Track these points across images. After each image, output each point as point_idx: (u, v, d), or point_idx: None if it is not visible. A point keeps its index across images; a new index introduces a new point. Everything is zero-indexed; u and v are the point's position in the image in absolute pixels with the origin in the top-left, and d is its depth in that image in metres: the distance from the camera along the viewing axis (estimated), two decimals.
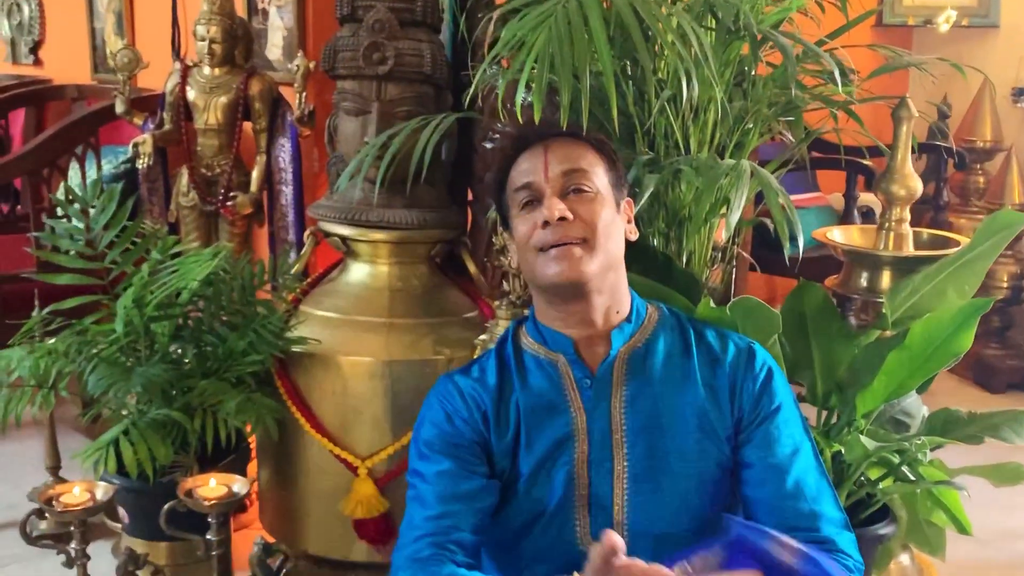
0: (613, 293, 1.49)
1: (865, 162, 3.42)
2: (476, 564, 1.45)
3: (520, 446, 1.48)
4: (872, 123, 2.39)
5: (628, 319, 1.52)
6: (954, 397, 3.94)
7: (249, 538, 2.64)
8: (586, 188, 1.45)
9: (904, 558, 2.30)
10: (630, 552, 1.41)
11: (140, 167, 2.87)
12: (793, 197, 3.85)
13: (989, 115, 4.54)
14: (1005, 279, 4.29)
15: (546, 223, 1.42)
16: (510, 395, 1.52)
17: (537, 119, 1.65)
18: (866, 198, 3.90)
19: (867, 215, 3.83)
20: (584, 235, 1.43)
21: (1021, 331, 4.35)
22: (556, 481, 1.46)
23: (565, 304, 1.48)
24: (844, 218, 3.69)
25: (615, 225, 1.47)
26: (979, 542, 2.63)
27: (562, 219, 1.42)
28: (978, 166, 4.63)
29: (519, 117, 1.67)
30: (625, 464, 1.46)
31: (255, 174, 2.92)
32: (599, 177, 1.47)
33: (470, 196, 2.74)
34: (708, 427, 1.47)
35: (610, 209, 1.46)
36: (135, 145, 2.84)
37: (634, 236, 1.53)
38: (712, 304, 1.80)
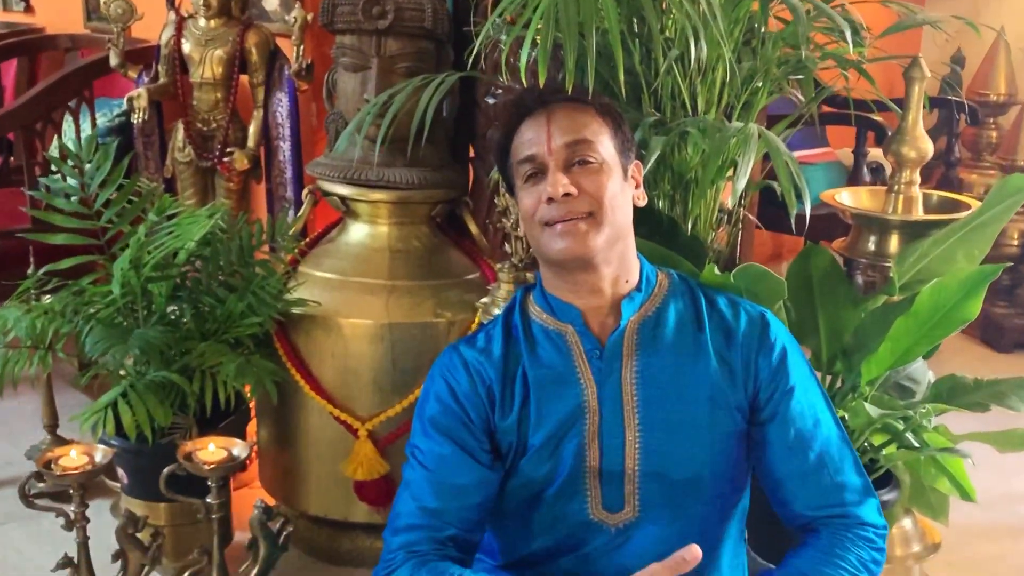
0: (621, 262, 1.48)
1: (876, 118, 3.40)
2: (469, 561, 1.47)
3: (529, 420, 1.48)
4: (884, 78, 2.38)
5: (638, 287, 1.51)
6: (960, 356, 3.96)
7: (249, 497, 2.68)
8: (591, 159, 1.42)
9: (907, 522, 2.33)
10: (643, 521, 1.45)
11: (135, 122, 2.86)
12: (802, 152, 3.90)
13: (1003, 68, 4.51)
14: (1016, 237, 4.29)
15: (551, 199, 1.41)
16: (516, 367, 1.51)
17: (542, 80, 1.63)
18: (876, 154, 3.88)
19: (877, 171, 3.81)
20: (590, 209, 1.42)
21: None
22: (566, 453, 1.46)
23: (572, 276, 1.48)
24: (853, 175, 3.68)
25: (622, 195, 1.46)
26: (982, 505, 2.64)
27: (567, 195, 1.41)
28: (991, 120, 4.62)
29: (523, 79, 1.66)
30: (637, 435, 1.46)
31: (252, 129, 2.90)
32: (604, 145, 1.44)
33: (472, 153, 2.73)
34: (721, 399, 1.47)
35: (616, 178, 1.45)
36: (130, 99, 2.82)
37: (642, 201, 1.52)
38: (716, 270, 1.80)
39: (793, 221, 1.72)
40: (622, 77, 1.73)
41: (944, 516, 2.19)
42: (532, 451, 1.47)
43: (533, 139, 1.44)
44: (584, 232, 1.42)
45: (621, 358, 1.48)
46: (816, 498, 1.46)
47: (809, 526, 1.48)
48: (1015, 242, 4.27)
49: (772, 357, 1.48)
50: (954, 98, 4.02)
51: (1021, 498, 2.95)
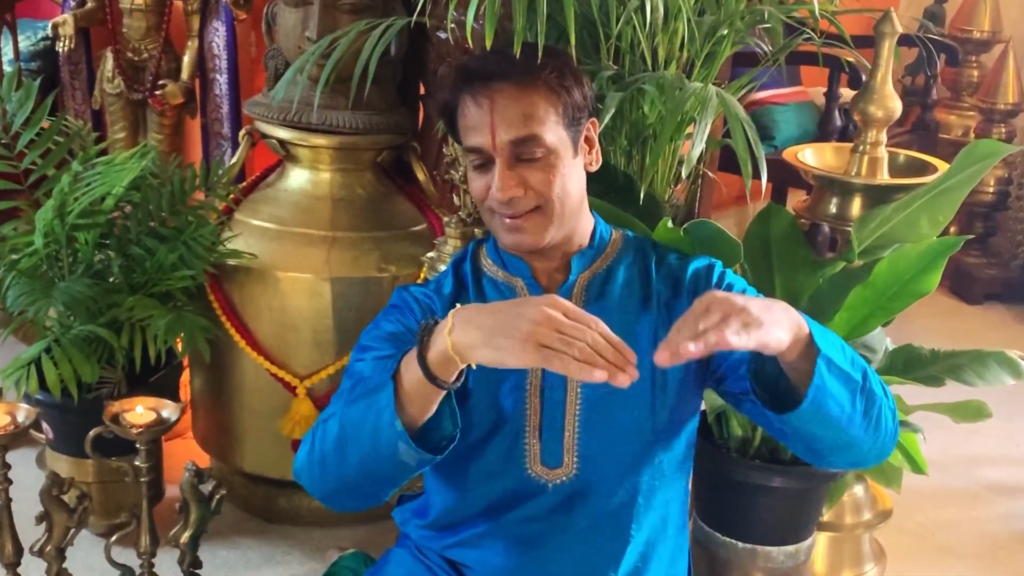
0: (572, 232, 1.55)
1: (848, 59, 3.42)
2: None
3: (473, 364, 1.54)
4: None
5: (590, 244, 1.57)
6: (927, 308, 4.01)
7: (181, 448, 2.72)
8: (537, 155, 1.46)
9: (858, 489, 2.42)
10: (582, 478, 1.50)
11: (60, 51, 2.81)
12: (773, 92, 3.92)
13: (987, 4, 4.53)
14: (992, 183, 4.37)
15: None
16: None
17: (488, 42, 1.64)
18: (850, 95, 3.91)
19: (850, 114, 3.85)
20: (537, 203, 1.47)
21: (1005, 238, 4.45)
22: (506, 405, 1.53)
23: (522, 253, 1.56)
24: (825, 118, 3.72)
25: (571, 175, 1.49)
26: (937, 468, 2.77)
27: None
28: (973, 59, 4.65)
29: (469, 39, 1.66)
30: (579, 391, 1.52)
31: (186, 60, 2.87)
32: (551, 129, 1.46)
33: (422, 90, 2.72)
34: None
35: (566, 160, 1.48)
36: (55, 26, 2.77)
37: (596, 166, 1.56)
38: (670, 224, 1.83)
39: (755, 168, 1.76)
40: (572, 30, 1.74)
41: (897, 484, 2.28)
42: (471, 398, 1.53)
43: (478, 127, 1.46)
44: (532, 227, 1.48)
45: None
46: None
47: None
48: (991, 189, 4.35)
49: (721, 287, 1.54)
50: (933, 36, 4.04)
51: (975, 462, 3.07)
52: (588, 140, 1.54)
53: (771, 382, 1.40)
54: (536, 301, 1.23)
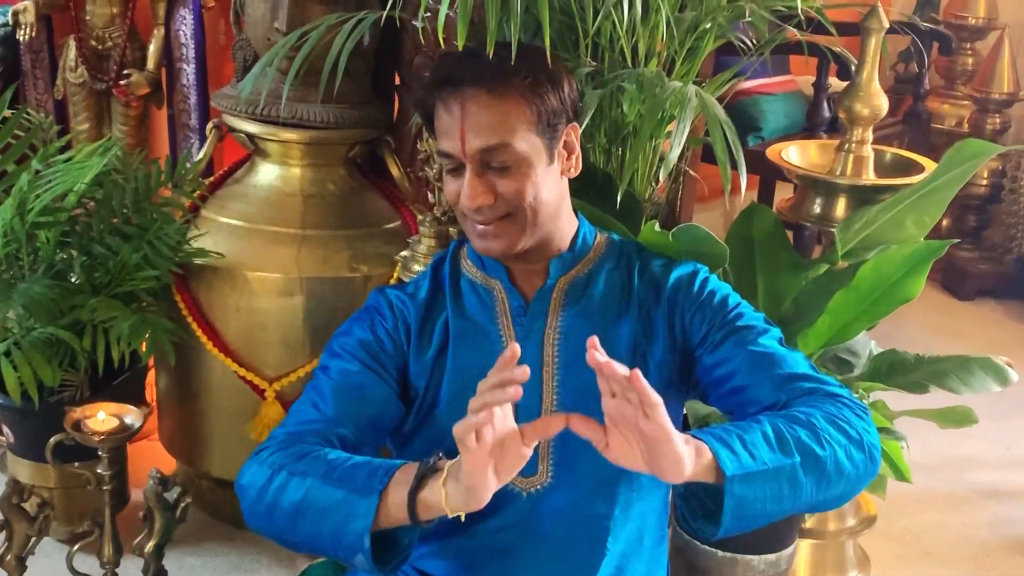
0: (548, 237, 1.57)
1: (836, 49, 3.44)
2: None
3: (444, 369, 1.57)
4: None
5: (571, 248, 1.59)
6: (918, 304, 4.04)
7: (147, 451, 2.73)
8: (508, 163, 1.47)
9: None
10: (556, 487, 1.52)
11: (21, 39, 2.80)
12: (761, 81, 3.92)
13: None
14: (985, 174, 4.40)
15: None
16: (439, 314, 1.61)
17: (460, 43, 1.65)
18: (840, 86, 3.93)
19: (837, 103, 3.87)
20: (508, 211, 1.49)
21: (998, 231, 4.48)
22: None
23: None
24: (813, 109, 3.73)
25: (546, 183, 1.51)
26: (923, 471, 2.80)
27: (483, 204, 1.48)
28: (967, 46, 4.67)
29: (440, 40, 1.67)
30: (554, 398, 1.54)
31: (152, 49, 2.86)
32: (523, 137, 1.47)
33: (397, 80, 2.73)
34: (640, 362, 1.54)
35: (538, 169, 1.49)
36: (15, 14, 2.76)
37: (575, 172, 1.58)
38: (657, 227, 1.84)
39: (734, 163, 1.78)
40: (547, 25, 1.75)
41: (881, 490, 2.31)
42: (443, 404, 1.56)
43: (449, 132, 1.48)
44: (502, 234, 1.51)
45: (545, 317, 1.57)
46: (778, 386, 1.48)
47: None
48: (984, 181, 4.38)
49: (701, 298, 1.56)
50: (926, 24, 4.06)
51: (962, 465, 3.10)
52: (567, 145, 1.55)
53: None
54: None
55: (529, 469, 1.53)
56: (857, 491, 1.46)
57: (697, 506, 1.41)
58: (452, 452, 1.53)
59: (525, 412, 1.53)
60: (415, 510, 1.32)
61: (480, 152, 1.46)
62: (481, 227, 1.51)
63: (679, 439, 1.25)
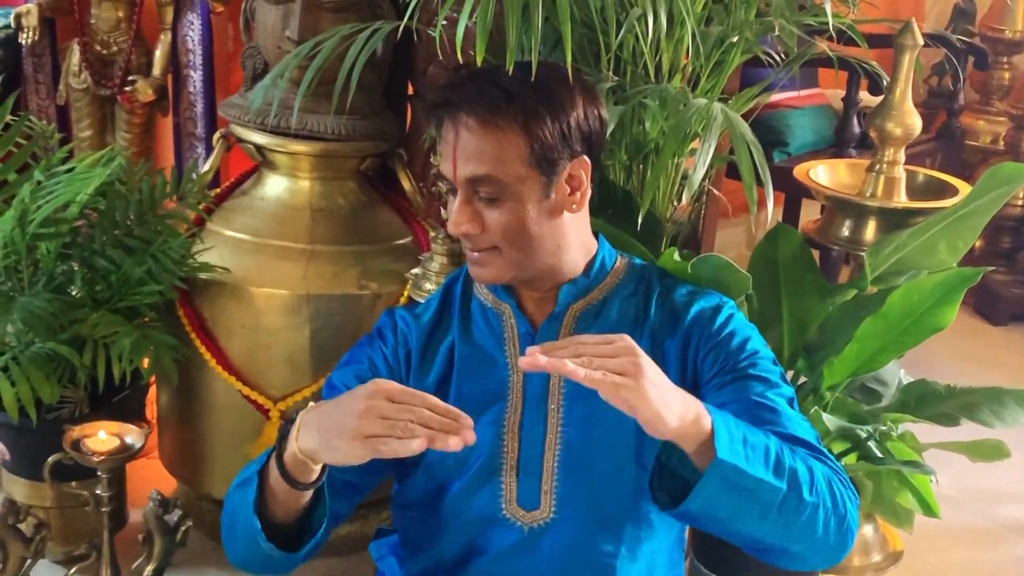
0: (552, 269, 1.57)
1: (870, 63, 3.45)
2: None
3: (448, 397, 1.59)
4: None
5: (585, 273, 1.60)
6: (948, 330, 4.05)
7: (147, 470, 2.74)
8: (495, 195, 1.48)
9: (867, 529, 2.46)
10: (559, 523, 1.54)
11: (24, 42, 2.83)
12: (788, 94, 3.93)
13: (1021, 1, 4.56)
14: (1021, 194, 4.39)
15: None
16: (443, 337, 1.63)
17: (479, 58, 1.67)
18: (871, 100, 3.94)
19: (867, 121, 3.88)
20: (494, 243, 1.51)
21: None
22: (483, 440, 1.55)
23: None
24: (842, 125, 3.74)
25: (536, 221, 1.50)
26: (953, 504, 2.80)
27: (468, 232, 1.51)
28: (1004, 60, 4.68)
29: (459, 54, 1.69)
30: (559, 432, 1.56)
31: (158, 54, 2.88)
32: (514, 170, 1.47)
33: (410, 91, 2.75)
34: None
35: (528, 204, 1.49)
36: (18, 17, 2.79)
37: (578, 209, 1.55)
38: (677, 255, 1.84)
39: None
40: (569, 39, 1.76)
41: (908, 524, 2.31)
42: None
43: (445, 154, 1.51)
44: (490, 264, 1.53)
45: None
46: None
47: None
48: (1020, 202, 4.38)
49: (719, 337, 1.55)
50: (961, 37, 4.07)
51: (992, 499, 3.09)
52: (572, 180, 1.53)
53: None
54: (360, 393, 1.30)
55: (532, 502, 1.55)
56: (809, 563, 1.45)
57: (666, 479, 1.43)
58: (446, 480, 1.58)
59: (529, 442, 1.56)
60: (285, 470, 1.36)
61: (468, 180, 1.48)
62: (472, 253, 1.54)
63: (663, 404, 1.28)
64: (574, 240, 1.58)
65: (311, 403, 1.39)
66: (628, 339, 1.30)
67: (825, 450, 1.48)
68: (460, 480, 1.58)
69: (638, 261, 1.68)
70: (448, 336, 1.63)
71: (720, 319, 1.57)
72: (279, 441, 1.38)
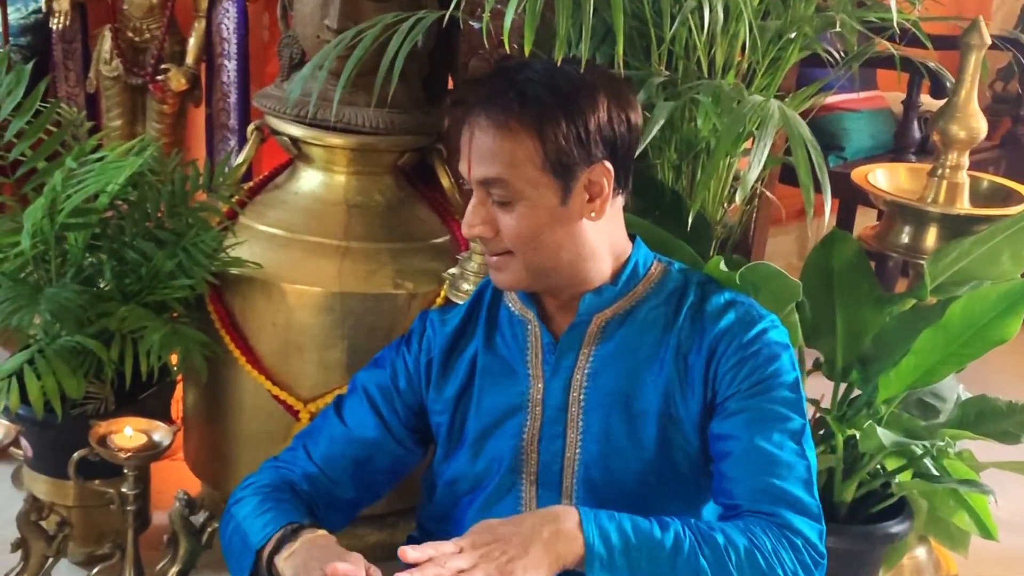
0: (573, 277, 1.58)
1: (931, 64, 3.45)
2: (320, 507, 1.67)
3: (468, 407, 1.65)
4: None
5: (613, 281, 1.59)
6: (1011, 345, 4.03)
7: (171, 471, 2.78)
8: (508, 199, 1.50)
9: (920, 551, 2.46)
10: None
11: (54, 28, 2.88)
12: (845, 96, 3.93)
13: None
14: None
15: None
16: (467, 344, 1.68)
17: (527, 48, 1.69)
18: (931, 104, 3.94)
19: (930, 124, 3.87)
20: (507, 248, 1.53)
21: None
22: (503, 452, 1.61)
23: None
24: (902, 128, 3.74)
25: (552, 227, 1.51)
26: (1011, 528, 2.77)
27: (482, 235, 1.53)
28: None
29: (507, 45, 1.72)
30: (579, 445, 1.59)
31: (192, 43, 2.93)
32: (527, 174, 1.48)
33: (451, 84, 2.77)
34: (674, 413, 1.57)
35: (542, 209, 1.50)
36: (49, 1, 2.84)
37: (598, 217, 1.55)
38: (723, 265, 1.85)
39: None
40: (621, 31, 1.78)
41: (964, 547, 2.32)
42: (467, 444, 1.63)
43: (463, 154, 1.53)
44: (506, 268, 1.55)
45: (575, 356, 1.60)
46: (752, 493, 1.50)
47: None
48: None
49: (745, 354, 1.54)
50: None
51: None
52: (591, 187, 1.52)
53: None
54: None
55: None
56: None
57: None
58: (466, 492, 1.64)
59: (549, 454, 1.60)
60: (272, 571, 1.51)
61: (481, 182, 1.51)
62: (489, 257, 1.56)
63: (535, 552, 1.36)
64: (599, 247, 1.57)
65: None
66: (483, 532, 1.39)
67: (807, 501, 1.49)
68: (482, 493, 1.63)
69: (677, 266, 1.66)
70: (472, 344, 1.67)
71: (750, 334, 1.55)
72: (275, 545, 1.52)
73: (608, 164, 1.52)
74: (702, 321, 1.58)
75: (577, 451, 1.58)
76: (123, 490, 2.14)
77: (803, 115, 2.10)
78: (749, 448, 1.50)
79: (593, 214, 1.53)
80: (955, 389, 2.28)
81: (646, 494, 1.57)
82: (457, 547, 1.36)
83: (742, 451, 1.50)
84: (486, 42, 2.51)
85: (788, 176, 2.86)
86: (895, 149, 3.84)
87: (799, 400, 1.56)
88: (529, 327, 1.63)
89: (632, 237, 1.64)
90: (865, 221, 3.62)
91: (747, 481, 1.50)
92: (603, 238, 1.57)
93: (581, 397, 1.59)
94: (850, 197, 3.65)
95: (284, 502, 1.59)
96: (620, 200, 1.58)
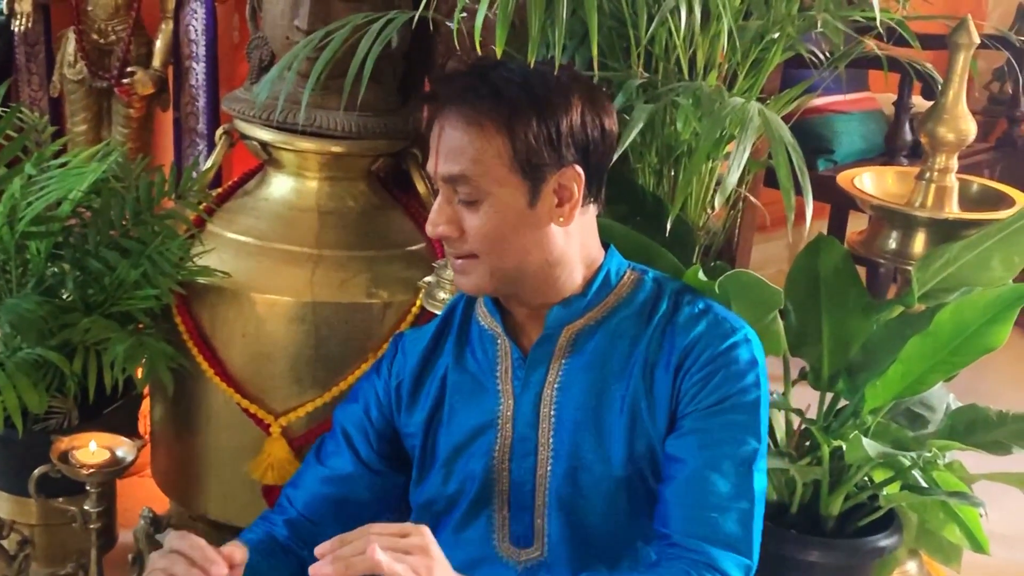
0: (543, 284, 1.56)
1: (923, 64, 3.47)
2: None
3: (440, 426, 1.65)
4: None
5: (583, 292, 1.58)
6: (1001, 353, 4.00)
7: (137, 487, 2.78)
8: (473, 198, 1.49)
9: (911, 566, 2.46)
10: (553, 562, 1.58)
11: (16, 29, 2.89)
12: (835, 98, 3.95)
13: None
14: None
15: None
16: (437, 362, 1.68)
17: (499, 49, 1.70)
18: (924, 105, 3.96)
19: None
20: (472, 250, 1.51)
21: None
22: (474, 472, 1.61)
23: None
24: (893, 130, 3.76)
25: (518, 230, 1.51)
26: (1004, 541, 2.78)
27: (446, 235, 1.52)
28: None
29: (477, 45, 1.73)
30: (550, 462, 1.58)
31: (159, 45, 2.93)
32: (494, 173, 1.47)
33: (427, 86, 2.78)
34: (641, 428, 1.56)
35: (510, 211, 1.49)
36: (10, 2, 2.84)
37: (567, 223, 1.53)
38: (702, 274, 1.87)
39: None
40: (595, 32, 1.79)
41: (956, 560, 2.33)
42: (439, 464, 1.64)
43: (431, 150, 1.52)
44: (471, 272, 1.53)
45: (545, 371, 1.60)
46: (685, 525, 1.50)
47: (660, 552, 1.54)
48: None
49: (713, 369, 1.53)
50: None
51: None
52: (560, 191, 1.51)
53: None
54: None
55: (525, 540, 1.60)
56: None
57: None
58: (441, 512, 1.65)
59: (520, 472, 1.59)
60: None
61: (446, 179, 1.50)
62: (453, 260, 1.55)
63: None
64: (569, 255, 1.56)
65: None
66: (425, 534, 1.35)
67: (738, 538, 1.49)
68: (456, 513, 1.63)
69: (651, 275, 1.64)
70: (442, 362, 1.67)
71: (719, 348, 1.54)
72: None
73: (579, 169, 1.51)
74: (672, 333, 1.56)
75: (548, 468, 1.58)
76: (86, 507, 2.14)
77: (788, 117, 2.12)
78: (692, 477, 1.50)
79: (562, 219, 1.52)
80: (944, 398, 2.29)
81: (616, 513, 1.57)
82: None
83: (684, 479, 1.50)
84: (456, 43, 2.53)
85: (774, 179, 2.89)
86: (887, 152, 3.86)
87: (757, 422, 1.54)
88: (499, 342, 1.62)
89: (606, 245, 1.63)
90: (857, 226, 3.63)
91: (682, 512, 1.50)
92: (573, 245, 1.55)
93: (552, 413, 1.58)
94: (842, 202, 3.66)
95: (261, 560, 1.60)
96: (592, 208, 1.58)
